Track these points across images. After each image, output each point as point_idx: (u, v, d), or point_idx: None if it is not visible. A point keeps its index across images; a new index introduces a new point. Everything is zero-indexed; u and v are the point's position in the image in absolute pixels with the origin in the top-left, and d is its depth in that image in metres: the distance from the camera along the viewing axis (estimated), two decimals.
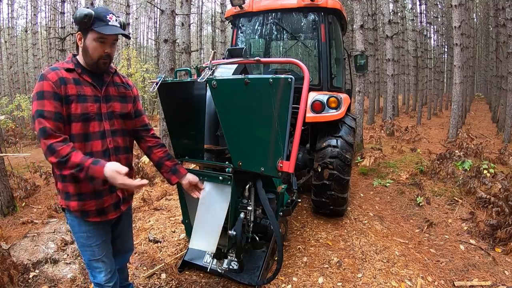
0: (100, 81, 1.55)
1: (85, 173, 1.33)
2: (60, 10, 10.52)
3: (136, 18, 27.18)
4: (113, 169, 1.34)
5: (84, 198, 1.50)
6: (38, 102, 1.37)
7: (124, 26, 1.53)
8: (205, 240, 1.80)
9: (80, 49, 1.49)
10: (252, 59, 2.37)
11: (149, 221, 3.50)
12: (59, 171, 1.44)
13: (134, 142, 1.78)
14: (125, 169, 1.37)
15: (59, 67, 1.47)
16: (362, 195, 4.43)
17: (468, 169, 4.75)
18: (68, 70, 1.47)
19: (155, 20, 24.26)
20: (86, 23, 1.40)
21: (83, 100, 1.45)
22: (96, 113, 1.49)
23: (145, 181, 1.39)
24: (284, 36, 3.81)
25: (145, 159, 5.93)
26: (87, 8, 1.44)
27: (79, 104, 1.44)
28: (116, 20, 1.46)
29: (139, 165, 5.17)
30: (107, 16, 1.43)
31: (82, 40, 1.46)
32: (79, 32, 1.47)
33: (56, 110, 1.38)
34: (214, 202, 1.84)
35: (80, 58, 1.51)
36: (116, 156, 1.57)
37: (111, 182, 1.35)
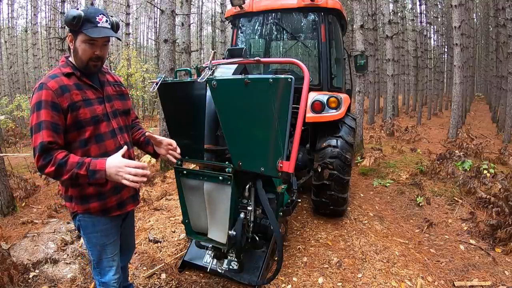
0: (97, 82, 1.54)
1: (86, 168, 1.29)
2: (60, 10, 10.54)
3: (136, 18, 27.18)
4: (116, 157, 1.33)
5: (105, 197, 1.50)
6: (37, 114, 1.32)
7: (116, 27, 1.49)
8: (218, 232, 1.97)
9: (72, 51, 1.46)
10: (252, 59, 2.38)
11: (149, 221, 3.50)
12: (58, 177, 1.33)
13: None
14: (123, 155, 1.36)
15: (58, 73, 1.41)
16: (362, 195, 4.42)
17: (468, 169, 4.75)
18: (67, 75, 1.42)
19: (155, 20, 24.26)
20: (75, 25, 1.35)
21: (89, 104, 1.44)
22: (103, 113, 1.50)
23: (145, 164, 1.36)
24: (284, 36, 3.81)
25: (145, 158, 5.93)
26: (77, 9, 1.40)
27: (87, 109, 1.43)
28: (107, 21, 1.40)
29: None
30: (97, 17, 1.37)
31: (73, 42, 1.42)
32: (69, 34, 1.43)
33: (53, 120, 1.33)
34: (218, 201, 1.89)
35: (72, 60, 1.47)
36: (128, 152, 1.58)
37: (113, 173, 1.30)
